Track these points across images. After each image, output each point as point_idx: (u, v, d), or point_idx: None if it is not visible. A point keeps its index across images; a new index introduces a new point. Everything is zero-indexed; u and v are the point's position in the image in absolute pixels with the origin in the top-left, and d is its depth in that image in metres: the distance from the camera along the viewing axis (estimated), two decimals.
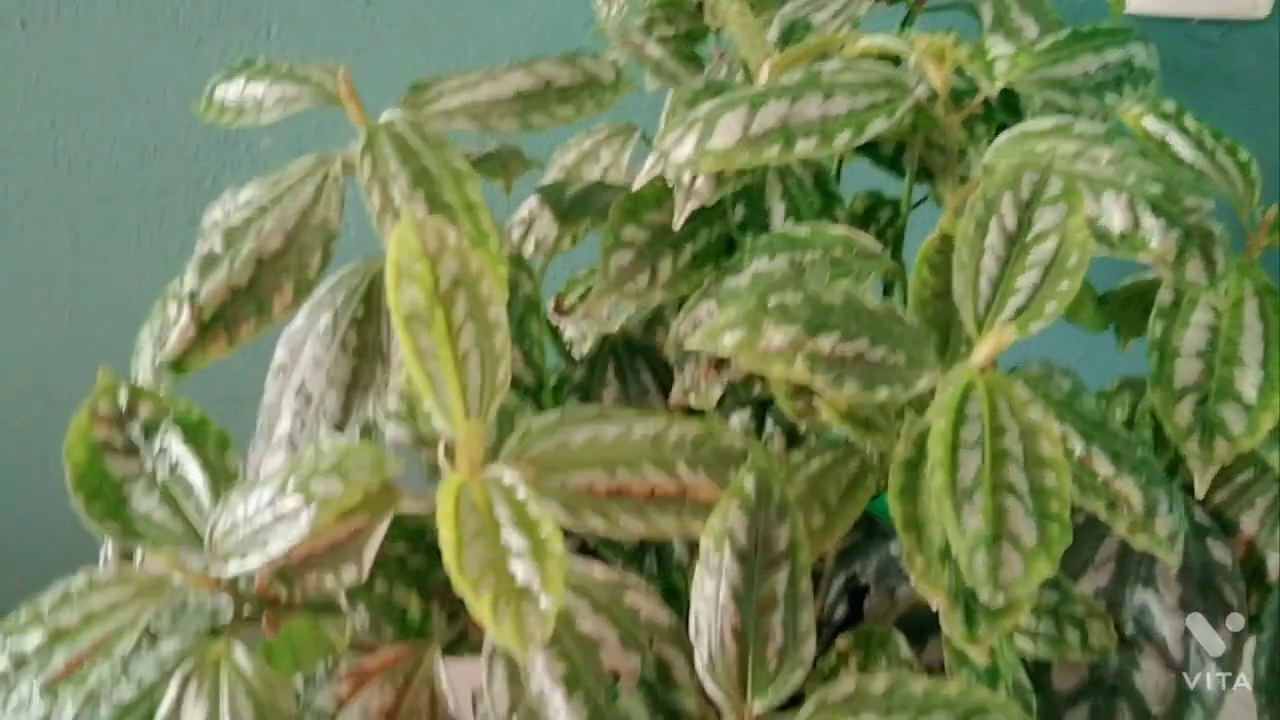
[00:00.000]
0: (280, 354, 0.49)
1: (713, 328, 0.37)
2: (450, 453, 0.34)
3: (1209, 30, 0.87)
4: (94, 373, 1.05)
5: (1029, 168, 0.38)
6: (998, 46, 0.40)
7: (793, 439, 0.48)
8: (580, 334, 0.69)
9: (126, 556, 0.47)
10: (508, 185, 0.67)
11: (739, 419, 0.47)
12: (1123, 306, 0.52)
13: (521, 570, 0.30)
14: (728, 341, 0.36)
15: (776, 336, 0.36)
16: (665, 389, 0.51)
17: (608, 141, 0.68)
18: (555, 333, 0.59)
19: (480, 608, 0.29)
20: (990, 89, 0.38)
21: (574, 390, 0.51)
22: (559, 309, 0.70)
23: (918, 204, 0.57)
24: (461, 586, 0.29)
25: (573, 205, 0.57)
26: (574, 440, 0.35)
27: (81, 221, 0.94)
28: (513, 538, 0.31)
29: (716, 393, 0.46)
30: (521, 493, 0.32)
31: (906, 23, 0.66)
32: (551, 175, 0.71)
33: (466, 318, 0.35)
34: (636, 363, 0.51)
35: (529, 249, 0.69)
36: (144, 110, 0.90)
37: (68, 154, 0.92)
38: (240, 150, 0.92)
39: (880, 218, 0.54)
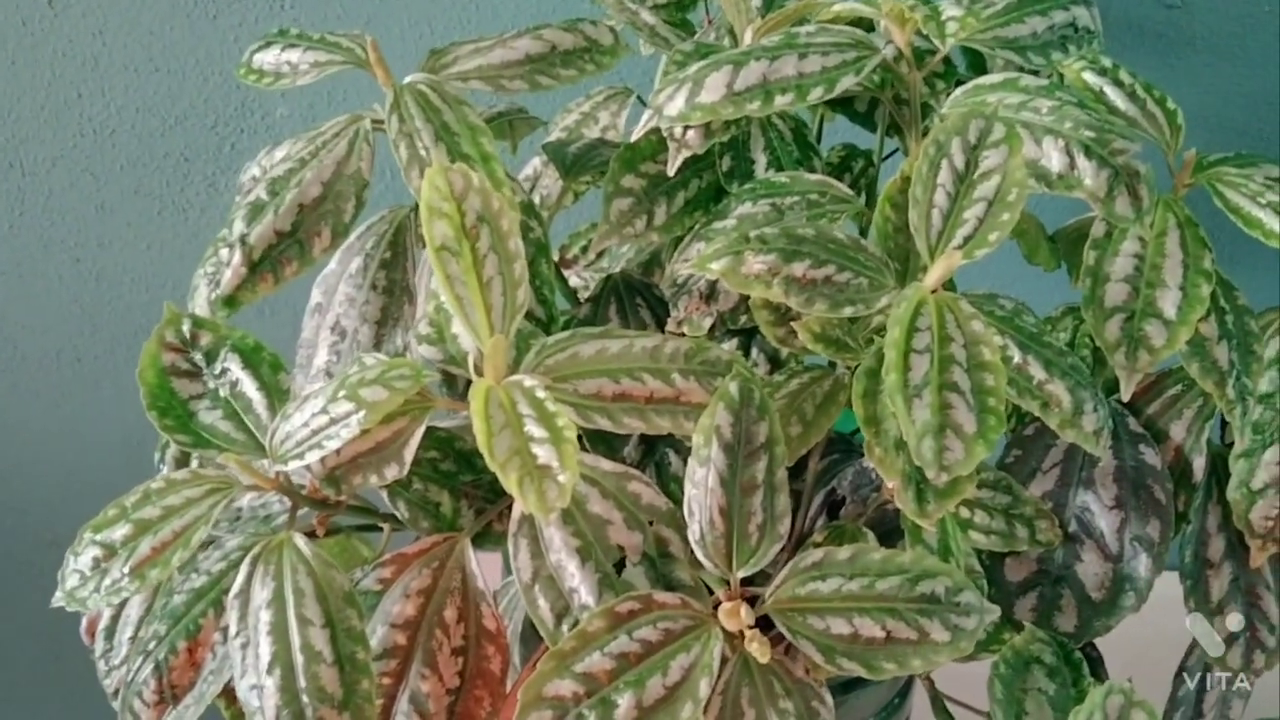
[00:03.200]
0: (316, 295, 0.55)
1: (702, 256, 0.42)
2: (479, 366, 0.40)
3: None
4: (120, 332, 1.11)
5: (976, 115, 0.44)
6: (949, 9, 0.46)
7: (775, 364, 0.54)
8: (584, 283, 0.75)
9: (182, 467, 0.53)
10: (514, 145, 0.73)
11: (727, 345, 0.53)
12: (1073, 245, 0.58)
13: (543, 453, 0.36)
14: (715, 267, 0.42)
15: (756, 263, 0.42)
16: (661, 324, 0.57)
17: (605, 104, 0.74)
18: (561, 278, 0.64)
19: (509, 483, 0.35)
20: (943, 47, 0.44)
21: (579, 324, 0.56)
22: (563, 261, 0.76)
23: (889, 156, 0.62)
24: (493, 466, 0.35)
25: (575, 161, 0.63)
26: (583, 353, 0.41)
27: (107, 187, 1.00)
28: (534, 428, 0.36)
29: (707, 323, 0.52)
30: (541, 393, 0.38)
31: None
32: (554, 136, 0.77)
33: (489, 249, 0.40)
34: (635, 300, 0.57)
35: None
36: (166, 81, 0.95)
37: (94, 123, 0.97)
38: (256, 118, 0.97)
39: (854, 168, 0.59)
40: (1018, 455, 0.53)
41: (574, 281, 0.76)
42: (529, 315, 0.51)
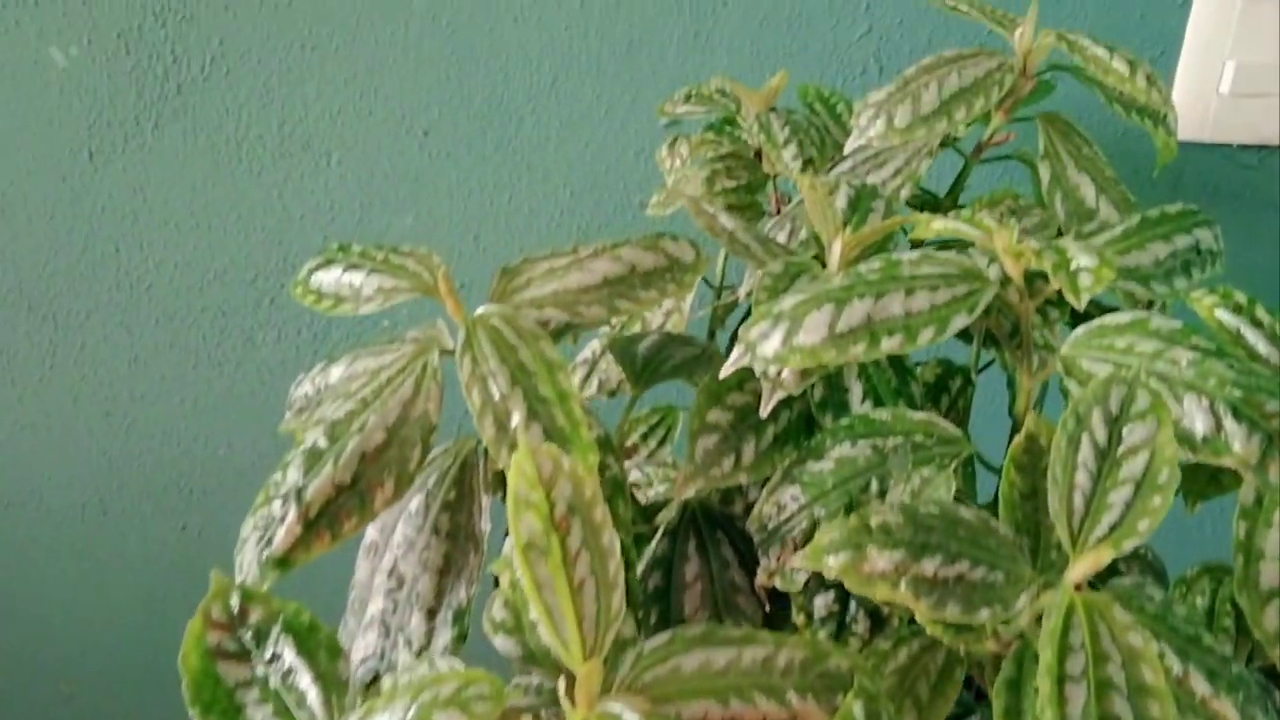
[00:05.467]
0: (371, 532, 0.50)
1: (816, 548, 0.38)
2: (569, 686, 0.35)
3: (1248, 154, 0.89)
4: (149, 487, 1.07)
5: (1117, 381, 0.40)
6: (1080, 257, 0.42)
7: (876, 620, 0.49)
8: (645, 477, 0.71)
9: None
10: (575, 335, 0.69)
11: (823, 600, 0.48)
12: (1189, 474, 0.53)
13: None
14: (832, 564, 0.37)
15: (880, 560, 0.37)
16: (745, 563, 0.52)
17: None
18: (636, 504, 0.60)
19: None
20: (1078, 304, 0.40)
21: (656, 564, 0.52)
22: (622, 449, 0.71)
23: (984, 368, 0.58)
24: None
25: (645, 365, 0.59)
26: (685, 667, 0.36)
27: (141, 341, 0.97)
28: None
29: (802, 577, 0.47)
30: None
31: (962, 176, 0.68)
32: (616, 320, 0.73)
33: (581, 545, 0.36)
34: (717, 535, 0.52)
35: (592, 388, 0.71)
36: (206, 236, 0.92)
37: (130, 277, 0.94)
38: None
39: (951, 387, 0.55)
40: None
41: (634, 475, 0.71)
42: None
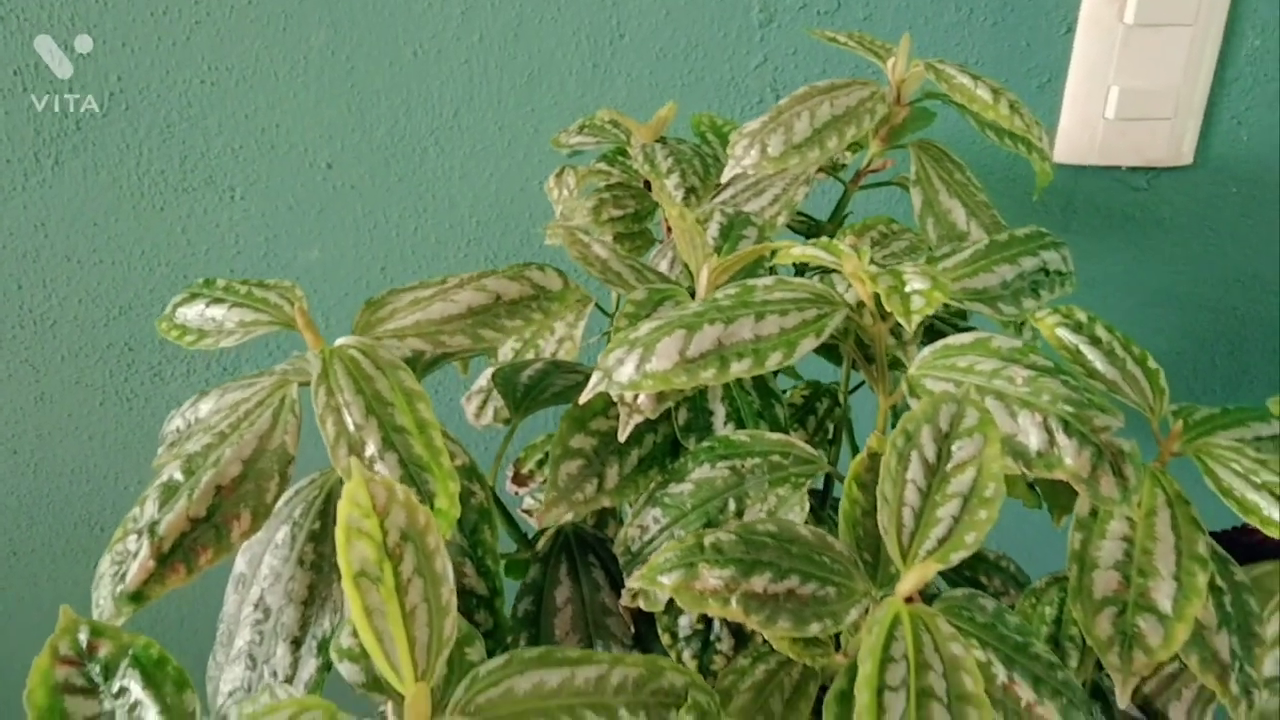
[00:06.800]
0: (240, 564, 0.50)
1: (651, 567, 0.38)
2: (399, 710, 0.35)
3: (1138, 176, 0.92)
4: (59, 525, 1.05)
5: (948, 399, 0.41)
6: (914, 281, 0.43)
7: (740, 637, 0.50)
8: (538, 503, 0.71)
9: None
10: (464, 365, 0.70)
11: (688, 620, 0.48)
12: (1053, 486, 0.55)
13: None
14: (665, 582, 0.38)
15: (711, 578, 0.38)
16: (615, 585, 0.53)
17: (562, 314, 0.71)
18: (508, 515, 0.60)
19: None
20: (909, 326, 0.41)
21: (527, 590, 0.52)
22: (517, 479, 0.72)
23: (855, 389, 0.59)
24: None
25: (525, 394, 0.60)
26: (519, 688, 0.37)
27: (47, 378, 0.96)
28: None
29: (665, 597, 0.48)
30: None
31: (843, 202, 0.69)
32: (508, 346, 0.74)
33: (414, 572, 0.36)
34: (589, 558, 0.53)
35: (488, 417, 0.71)
36: (110, 271, 0.92)
37: (34, 314, 0.93)
38: None
39: (818, 409, 0.56)
40: None
41: (528, 502, 0.72)
42: (468, 593, 0.47)
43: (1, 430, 0.98)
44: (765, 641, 0.49)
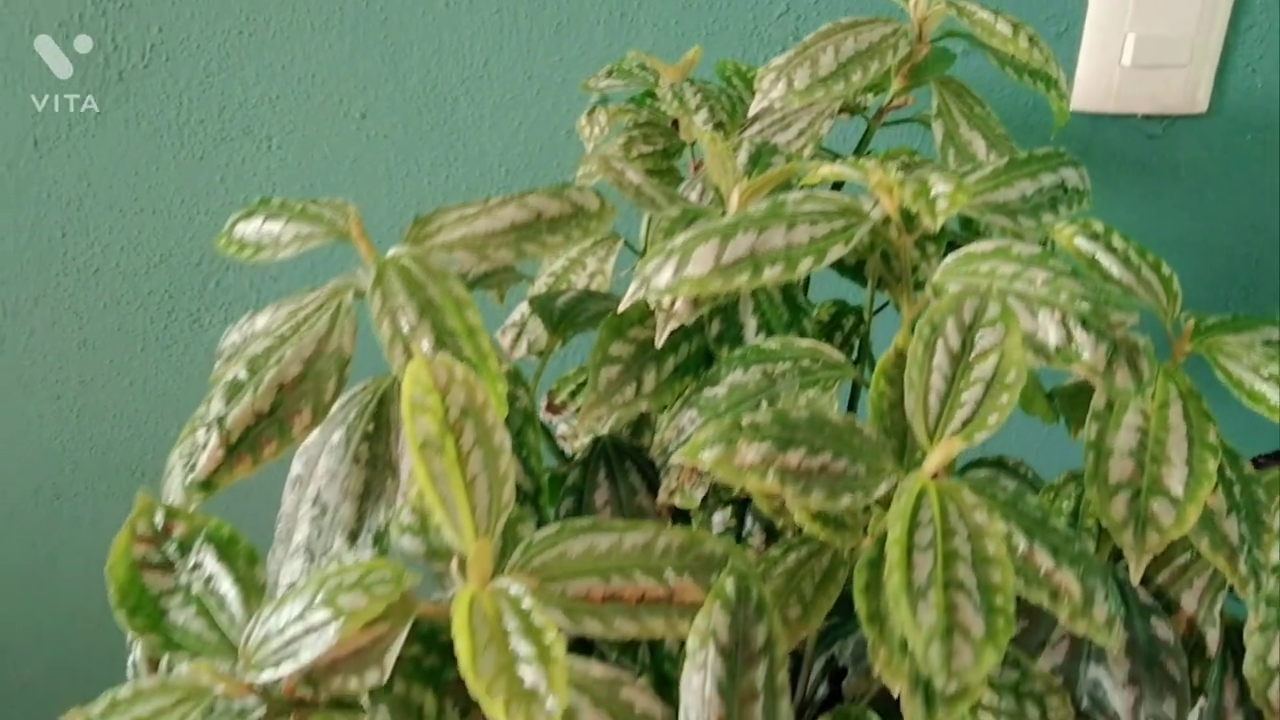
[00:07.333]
0: (296, 466, 0.53)
1: (693, 444, 0.41)
2: (463, 567, 0.38)
3: (1153, 125, 0.94)
4: (101, 469, 1.09)
5: (971, 294, 0.43)
6: (938, 184, 0.45)
7: (771, 534, 0.52)
8: (572, 430, 0.74)
9: (153, 661, 0.51)
10: (501, 294, 0.72)
11: (720, 517, 0.51)
12: (1070, 400, 0.57)
13: (530, 675, 0.34)
14: (706, 457, 0.41)
15: (749, 453, 0.40)
16: (652, 488, 0.55)
17: (593, 249, 0.73)
18: (548, 434, 0.63)
19: (494, 709, 0.33)
20: (933, 225, 0.43)
21: (568, 492, 0.55)
22: (551, 408, 0.75)
23: (879, 310, 0.62)
24: (477, 690, 0.33)
25: (563, 316, 0.62)
26: (572, 551, 0.39)
27: (90, 325, 0.99)
28: (520, 645, 0.35)
29: (699, 494, 0.50)
30: (527, 603, 0.36)
31: (866, 137, 0.72)
32: (541, 281, 0.76)
33: (474, 444, 0.39)
34: (625, 464, 0.55)
35: (521, 350, 0.74)
36: (150, 220, 0.95)
37: (77, 262, 0.96)
38: None
39: (844, 325, 0.58)
40: (1025, 626, 0.51)
41: (562, 429, 0.74)
42: (515, 489, 0.50)
43: (45, 376, 1.01)
44: (795, 533, 0.52)
